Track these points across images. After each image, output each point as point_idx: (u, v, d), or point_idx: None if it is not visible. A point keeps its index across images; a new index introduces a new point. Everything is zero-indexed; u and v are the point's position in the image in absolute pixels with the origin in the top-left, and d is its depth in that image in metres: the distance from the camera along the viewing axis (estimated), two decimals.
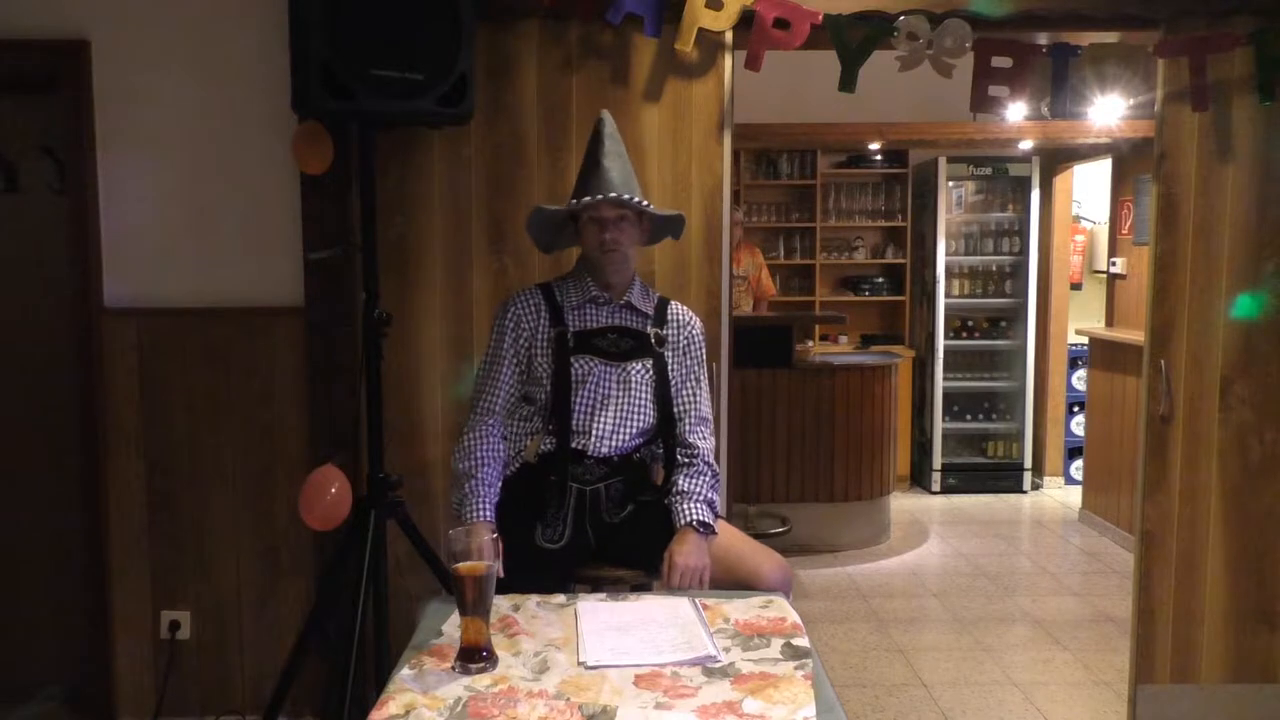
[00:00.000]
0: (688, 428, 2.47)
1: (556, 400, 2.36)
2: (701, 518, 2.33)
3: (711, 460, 2.48)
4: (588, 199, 2.32)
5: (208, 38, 3.04)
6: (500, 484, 2.35)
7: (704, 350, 2.54)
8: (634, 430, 2.41)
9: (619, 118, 3.02)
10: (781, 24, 2.89)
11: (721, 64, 3.04)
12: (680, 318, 2.51)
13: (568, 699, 1.62)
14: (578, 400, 2.36)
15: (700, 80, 3.05)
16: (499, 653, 1.78)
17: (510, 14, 2.99)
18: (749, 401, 5.23)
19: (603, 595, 2.17)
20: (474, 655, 1.74)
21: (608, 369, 2.38)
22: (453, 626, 1.89)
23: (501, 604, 2.04)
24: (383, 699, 1.63)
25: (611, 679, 1.70)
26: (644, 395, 2.41)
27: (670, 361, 2.46)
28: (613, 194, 2.31)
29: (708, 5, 2.90)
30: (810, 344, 6.73)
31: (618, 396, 2.39)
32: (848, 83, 2.92)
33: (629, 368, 2.40)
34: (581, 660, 1.78)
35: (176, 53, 3.05)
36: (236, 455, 3.14)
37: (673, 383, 2.46)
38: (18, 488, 3.42)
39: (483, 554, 1.78)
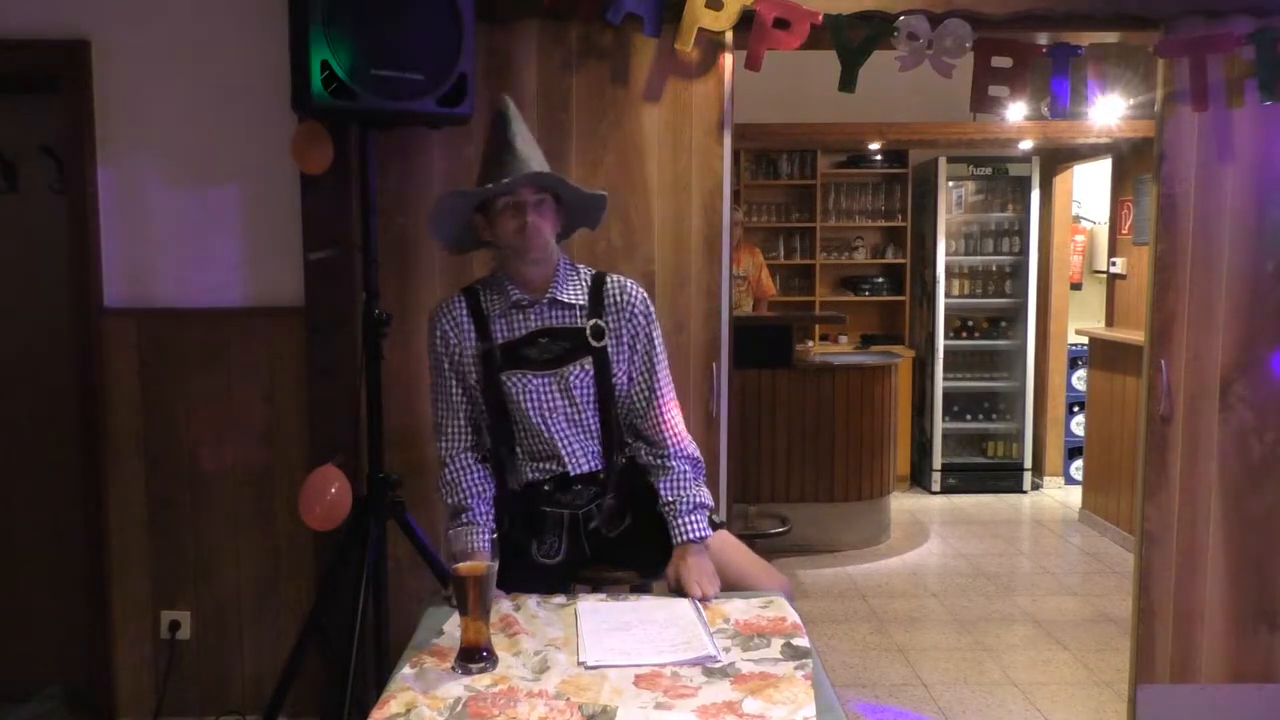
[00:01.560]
0: (651, 421, 2.27)
1: (500, 422, 2.21)
2: (697, 533, 2.19)
3: (685, 446, 2.28)
4: (507, 180, 2.08)
5: (208, 38, 3.04)
6: (493, 511, 2.24)
7: (652, 323, 2.27)
8: (595, 432, 2.24)
9: (619, 118, 3.04)
10: (781, 24, 2.89)
11: (721, 64, 3.04)
12: (617, 297, 2.23)
13: (568, 699, 1.62)
14: (527, 420, 2.20)
15: (700, 80, 3.05)
16: (499, 653, 1.78)
17: (510, 14, 2.99)
18: (749, 401, 5.23)
19: (603, 595, 2.17)
20: (474, 655, 1.74)
21: (544, 380, 2.19)
22: (453, 626, 1.89)
23: (502, 604, 2.04)
24: (383, 699, 1.63)
25: (611, 679, 1.70)
26: (588, 395, 2.22)
27: (613, 354, 2.23)
28: (532, 171, 2.10)
29: (708, 5, 2.90)
30: (810, 344, 6.74)
31: (564, 407, 2.21)
32: (848, 83, 2.92)
33: (565, 373, 2.19)
34: (581, 660, 1.78)
35: (176, 53, 3.05)
36: (236, 455, 3.14)
37: (615, 378, 2.24)
38: (18, 487, 3.42)
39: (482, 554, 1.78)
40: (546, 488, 2.25)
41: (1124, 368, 5.42)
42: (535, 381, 2.19)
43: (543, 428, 2.21)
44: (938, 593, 4.75)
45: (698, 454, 2.33)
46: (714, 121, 3.06)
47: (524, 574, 2.23)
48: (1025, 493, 6.77)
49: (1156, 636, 3.17)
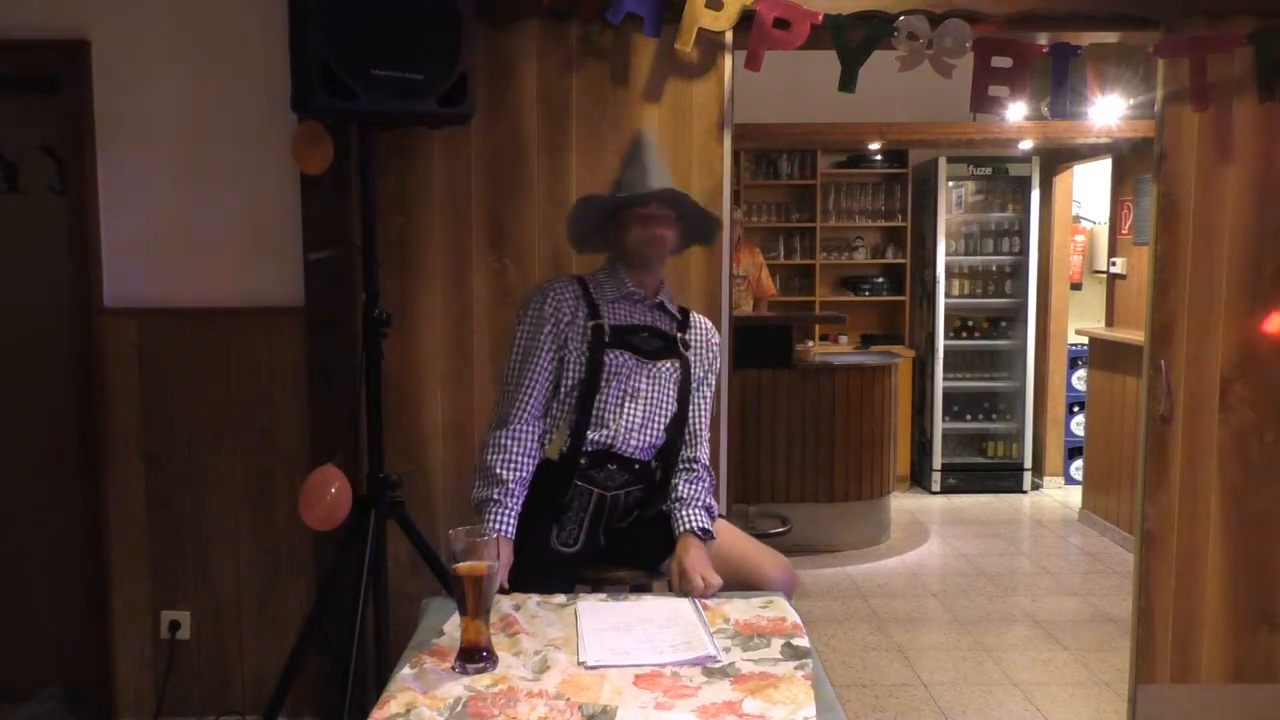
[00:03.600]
0: (694, 435, 2.47)
1: (584, 393, 2.33)
2: (703, 524, 2.32)
3: (707, 461, 2.49)
4: (642, 191, 2.33)
5: (208, 37, 3.04)
6: (525, 494, 2.31)
7: (719, 362, 2.55)
8: (660, 426, 2.39)
9: (619, 118, 3.04)
10: (781, 24, 2.89)
11: (721, 64, 3.04)
12: (703, 326, 2.53)
13: (568, 699, 1.62)
14: (607, 394, 2.33)
15: (700, 80, 3.05)
16: (499, 653, 1.78)
17: (510, 14, 2.99)
18: (749, 401, 5.23)
19: (603, 595, 2.17)
20: (474, 655, 1.74)
21: (639, 365, 2.37)
22: (453, 626, 1.89)
23: (502, 604, 2.04)
24: (383, 699, 1.63)
25: (611, 679, 1.70)
26: (670, 392, 2.40)
27: (693, 366, 2.46)
28: (666, 188, 2.34)
29: (708, 5, 2.90)
30: (810, 344, 6.74)
31: (646, 391, 2.37)
32: (848, 83, 2.92)
33: (659, 365, 2.39)
34: (581, 660, 1.78)
35: (176, 52, 3.05)
36: (236, 455, 3.14)
37: (691, 387, 2.46)
38: (17, 487, 3.42)
39: (483, 554, 1.78)
40: (584, 461, 2.33)
41: (1124, 368, 5.42)
42: (633, 363, 2.36)
43: (618, 407, 2.34)
44: (938, 593, 4.75)
45: (713, 474, 2.52)
46: (714, 121, 3.06)
47: (541, 560, 2.28)
48: (1025, 493, 6.77)
49: (1156, 636, 3.17)
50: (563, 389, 2.36)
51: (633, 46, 3.02)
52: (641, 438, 2.36)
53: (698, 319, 2.53)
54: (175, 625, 3.17)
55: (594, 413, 2.33)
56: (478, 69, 2.76)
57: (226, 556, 3.17)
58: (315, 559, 3.12)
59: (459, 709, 1.59)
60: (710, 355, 2.51)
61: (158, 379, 3.12)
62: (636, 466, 2.38)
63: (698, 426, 2.48)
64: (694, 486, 2.40)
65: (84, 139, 3.03)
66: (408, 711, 1.57)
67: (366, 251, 2.70)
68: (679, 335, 2.45)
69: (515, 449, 2.30)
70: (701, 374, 2.48)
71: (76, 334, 3.10)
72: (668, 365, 2.40)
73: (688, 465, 2.44)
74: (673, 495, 2.40)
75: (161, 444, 3.13)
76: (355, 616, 2.55)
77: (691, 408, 2.46)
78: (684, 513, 2.34)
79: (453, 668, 1.74)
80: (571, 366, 2.34)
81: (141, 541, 3.15)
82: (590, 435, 2.33)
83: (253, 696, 3.18)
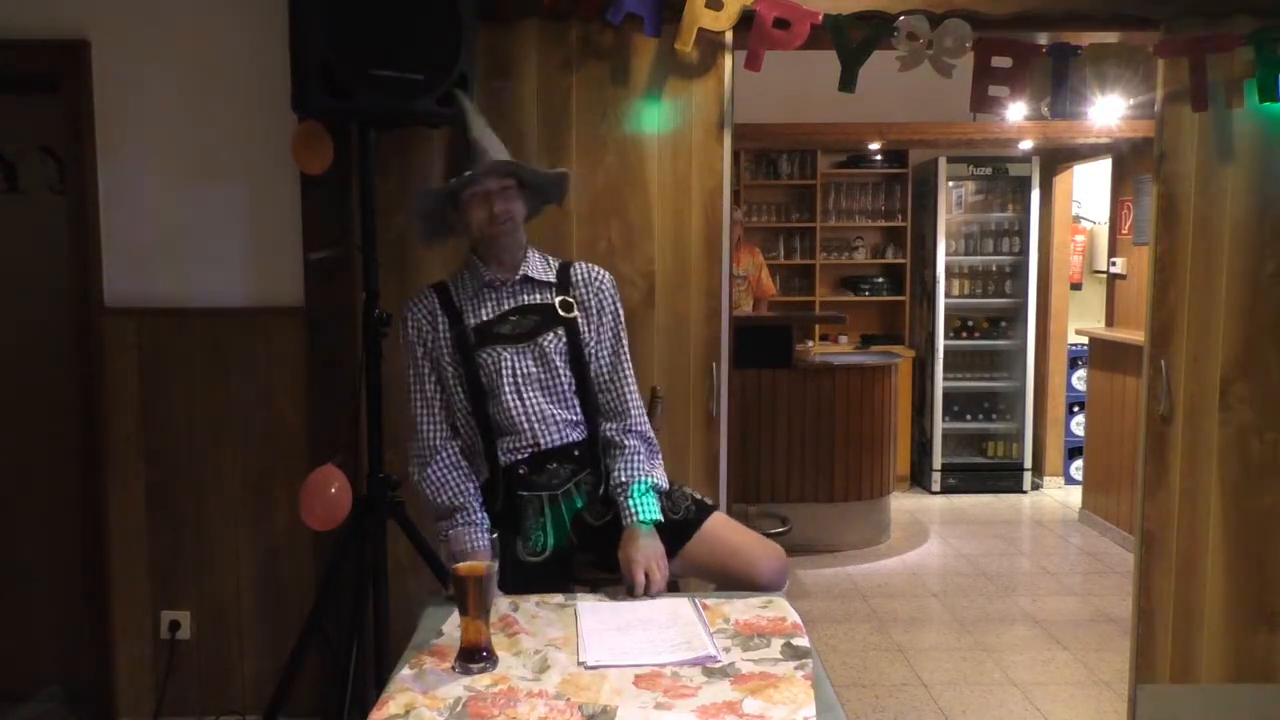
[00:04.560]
0: (615, 393, 2.33)
1: (476, 406, 2.25)
2: (645, 516, 2.20)
3: (642, 423, 2.34)
4: (469, 173, 2.18)
5: (208, 38, 3.04)
6: (484, 507, 2.25)
7: (619, 307, 2.38)
8: (569, 402, 2.28)
9: (619, 118, 3.04)
10: (781, 24, 2.89)
11: (721, 64, 3.04)
12: (586, 276, 2.35)
13: (568, 699, 1.62)
14: (500, 396, 2.23)
15: (700, 80, 3.05)
16: (499, 653, 1.78)
17: (510, 14, 2.99)
18: (749, 401, 5.23)
19: (602, 595, 2.17)
20: (474, 655, 1.74)
21: (516, 352, 2.25)
22: (453, 626, 1.89)
23: (501, 604, 2.04)
24: (383, 699, 1.63)
25: (611, 679, 1.70)
26: (561, 365, 2.27)
27: (583, 326, 2.31)
28: (496, 161, 2.20)
29: (708, 5, 2.90)
30: (810, 344, 6.74)
31: (539, 375, 2.25)
32: (848, 83, 2.92)
33: (540, 341, 2.26)
34: (581, 660, 1.78)
35: (176, 53, 3.05)
36: (236, 455, 3.14)
37: (587, 348, 2.31)
38: (18, 487, 3.42)
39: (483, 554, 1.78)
40: (521, 470, 2.26)
41: (1124, 368, 5.42)
42: (509, 353, 2.25)
43: (517, 400, 2.24)
44: (938, 593, 4.75)
45: (652, 435, 2.37)
46: (714, 121, 3.06)
47: (513, 575, 2.20)
48: (1025, 493, 6.77)
49: (1156, 636, 3.17)
50: (457, 409, 2.29)
51: (633, 46, 3.02)
52: (557, 423, 2.26)
53: (580, 271, 2.36)
54: (175, 625, 3.17)
55: (495, 420, 2.25)
56: (478, 69, 2.76)
57: (226, 556, 3.17)
58: (315, 559, 3.12)
59: (459, 709, 1.59)
60: (605, 302, 2.34)
61: (158, 379, 3.12)
62: (576, 453, 2.28)
63: (620, 388, 2.33)
64: (630, 467, 2.26)
65: (84, 139, 3.03)
66: (407, 712, 1.57)
67: (366, 251, 2.70)
68: (557, 300, 2.30)
69: (449, 476, 2.25)
70: (597, 329, 2.32)
71: (77, 334, 3.10)
72: (550, 338, 2.26)
73: (619, 441, 2.30)
74: (613, 483, 2.28)
75: (161, 444, 3.13)
76: (355, 616, 2.55)
77: (594, 368, 2.31)
78: (627, 504, 2.22)
79: (453, 668, 1.74)
80: (453, 383, 2.27)
81: (141, 541, 3.15)
82: (503, 444, 2.26)
83: (253, 696, 3.18)
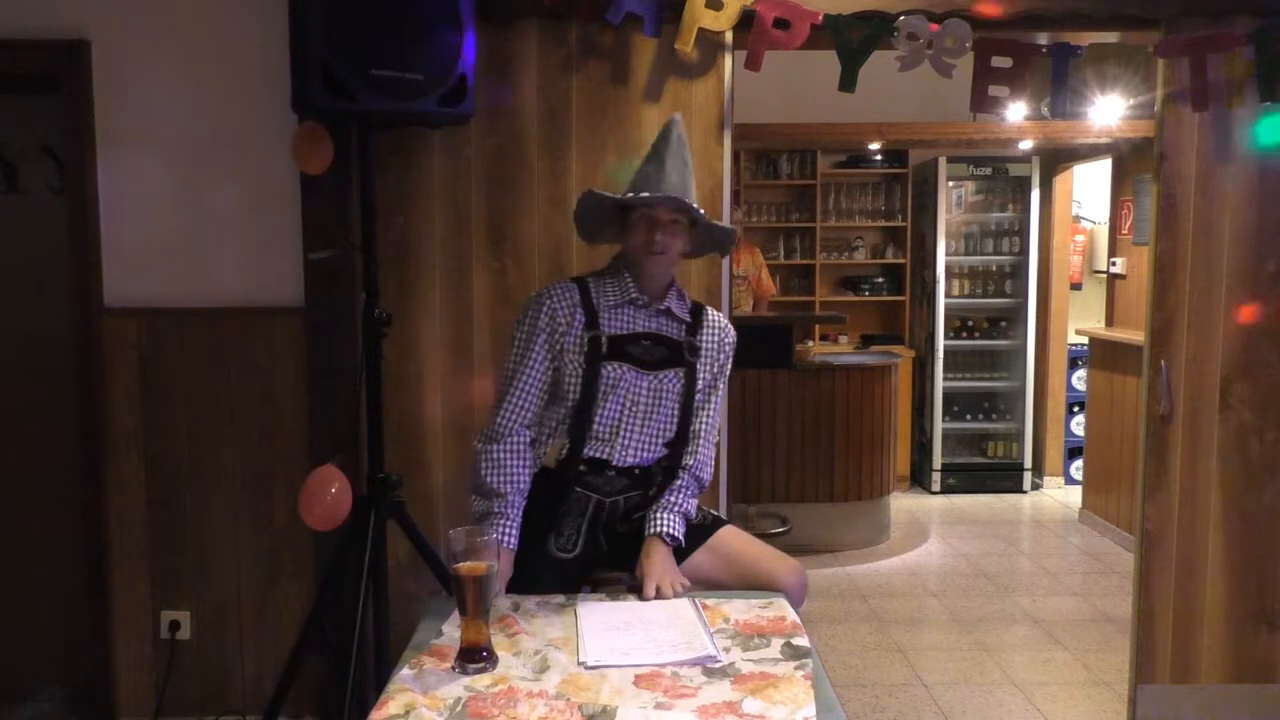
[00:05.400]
0: (693, 439, 2.39)
1: (582, 405, 2.27)
2: (672, 530, 2.27)
3: (701, 474, 2.40)
4: (645, 194, 2.23)
5: (208, 38, 3.04)
6: (523, 503, 2.28)
7: (731, 361, 2.46)
8: (661, 440, 2.34)
9: (619, 118, 3.04)
10: (781, 24, 2.89)
11: (721, 64, 3.04)
12: (715, 325, 2.42)
13: (568, 699, 1.62)
14: (605, 407, 2.27)
15: (700, 80, 3.05)
16: (499, 653, 1.78)
17: (510, 14, 2.98)
18: (749, 401, 5.23)
19: (602, 595, 2.17)
20: (474, 655, 1.74)
21: (639, 377, 2.29)
22: (453, 626, 1.89)
23: (501, 604, 2.04)
24: (383, 699, 1.63)
25: (611, 679, 1.70)
26: (672, 406, 2.33)
27: (700, 371, 2.37)
28: (672, 194, 2.22)
29: (708, 5, 2.90)
30: (810, 344, 6.73)
31: (647, 405, 2.30)
32: (848, 83, 2.92)
33: (661, 376, 2.31)
34: (581, 660, 1.78)
35: (177, 53, 3.05)
36: (236, 455, 3.14)
37: (698, 394, 2.37)
38: (18, 487, 3.42)
39: (483, 554, 1.78)
40: (582, 467, 2.30)
41: (1124, 368, 5.42)
42: (632, 376, 2.28)
43: (618, 420, 2.28)
44: (938, 593, 4.75)
45: (707, 481, 2.43)
46: (714, 121, 3.06)
47: (539, 566, 2.25)
48: (1025, 493, 6.77)
49: (1156, 636, 3.17)
50: (559, 400, 2.31)
51: (633, 46, 3.02)
52: (640, 451, 2.31)
53: (712, 318, 2.43)
54: (175, 625, 3.17)
55: (592, 427, 2.28)
56: (478, 69, 2.76)
57: (226, 556, 3.17)
58: (315, 559, 3.12)
59: (459, 709, 1.59)
60: (722, 357, 2.42)
61: (158, 379, 3.12)
62: (637, 473, 2.34)
63: (700, 430, 2.39)
64: (675, 493, 2.33)
65: (84, 139, 3.03)
66: (407, 712, 1.57)
67: (366, 251, 2.70)
68: (686, 340, 2.35)
69: (510, 461, 2.27)
70: (710, 379, 2.39)
71: (77, 334, 3.10)
72: (670, 376, 2.32)
73: (678, 471, 2.37)
74: (658, 499, 2.35)
75: (161, 443, 3.13)
76: (355, 616, 2.55)
77: (694, 416, 2.38)
78: (656, 515, 2.28)
79: (452, 668, 1.74)
80: (568, 379, 2.28)
81: (141, 541, 3.15)
82: (587, 449, 2.29)
83: (253, 696, 3.18)
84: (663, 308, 2.34)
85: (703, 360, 2.38)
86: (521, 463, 2.28)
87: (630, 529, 2.36)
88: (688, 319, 2.38)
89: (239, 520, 3.16)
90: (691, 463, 2.38)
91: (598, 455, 2.29)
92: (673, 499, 2.32)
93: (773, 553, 2.39)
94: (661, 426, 2.33)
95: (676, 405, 2.33)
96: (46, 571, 3.41)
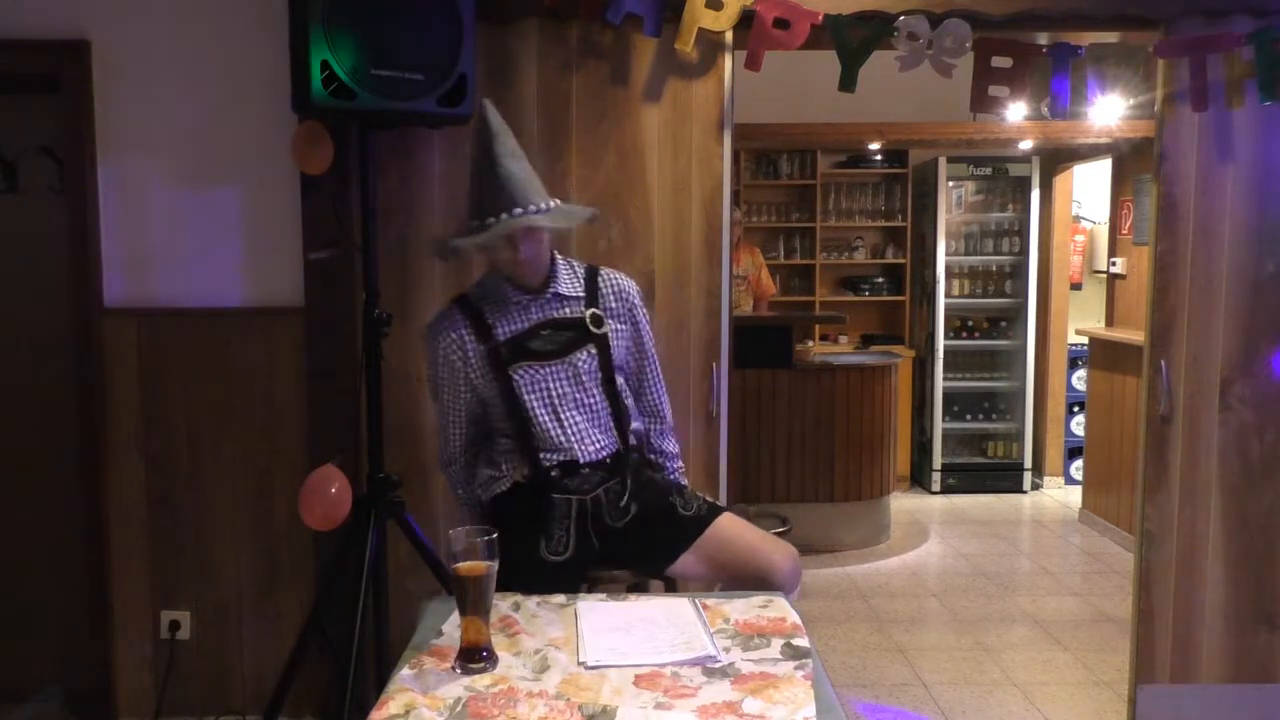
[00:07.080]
0: (648, 399, 2.45)
1: (517, 422, 2.28)
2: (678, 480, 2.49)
3: (670, 425, 2.53)
4: (496, 228, 2.13)
5: (208, 38, 3.04)
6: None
7: (646, 313, 2.42)
8: (606, 419, 2.33)
9: (619, 118, 3.04)
10: (781, 24, 2.89)
11: (721, 64, 3.04)
12: (614, 285, 2.36)
13: (568, 699, 1.62)
14: (537, 412, 2.27)
15: (700, 80, 3.05)
16: (499, 653, 1.78)
17: (510, 14, 2.98)
18: (749, 401, 5.23)
19: (602, 595, 2.17)
20: (474, 655, 1.74)
21: (550, 368, 2.27)
22: (453, 626, 1.89)
23: (501, 604, 2.04)
24: (383, 699, 1.63)
25: (611, 679, 1.70)
26: (594, 385, 2.30)
27: (613, 338, 2.34)
28: (518, 211, 2.13)
29: (708, 5, 2.90)
30: (810, 344, 6.73)
31: (574, 394, 2.29)
32: (848, 83, 2.92)
33: (573, 359, 2.28)
34: (581, 660, 1.78)
35: (177, 53, 3.05)
36: (236, 455, 3.14)
37: (615, 357, 2.34)
38: (18, 487, 3.43)
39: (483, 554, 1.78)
40: (554, 473, 2.30)
41: (1124, 368, 5.42)
42: (544, 372, 2.27)
43: (555, 422, 2.28)
44: (938, 593, 4.75)
45: (672, 423, 2.57)
46: (714, 121, 3.06)
47: (532, 572, 2.25)
48: (1025, 493, 6.77)
49: (1156, 636, 3.17)
50: (495, 426, 2.35)
51: (633, 46, 3.02)
52: (595, 439, 2.31)
53: (606, 280, 2.36)
54: (175, 625, 3.17)
55: (536, 438, 2.28)
56: (478, 69, 2.76)
57: (226, 556, 3.17)
58: (315, 559, 3.12)
59: (459, 709, 1.59)
60: (628, 307, 2.36)
61: (158, 379, 3.12)
62: (608, 462, 2.33)
63: (652, 391, 2.44)
64: (662, 456, 2.50)
65: (84, 139, 3.03)
66: (407, 712, 1.57)
67: (366, 251, 2.70)
68: (588, 314, 2.31)
69: (463, 484, 2.47)
70: (626, 342, 2.37)
71: (77, 334, 3.10)
72: (582, 356, 2.28)
73: (658, 447, 2.49)
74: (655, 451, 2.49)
75: (161, 444, 3.13)
76: (355, 616, 2.55)
77: (624, 375, 2.39)
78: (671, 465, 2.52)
79: (452, 668, 1.74)
80: (489, 400, 2.31)
81: (141, 541, 3.15)
82: (545, 458, 2.30)
83: (253, 696, 3.18)
84: (549, 294, 2.30)
85: (611, 323, 2.34)
86: (471, 486, 2.45)
87: (623, 525, 2.36)
88: (582, 293, 2.32)
89: (239, 520, 3.16)
90: (663, 425, 2.49)
91: (560, 459, 2.30)
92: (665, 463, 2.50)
93: (768, 539, 2.42)
94: (598, 410, 2.31)
95: (599, 379, 2.30)
96: (46, 572, 3.42)
